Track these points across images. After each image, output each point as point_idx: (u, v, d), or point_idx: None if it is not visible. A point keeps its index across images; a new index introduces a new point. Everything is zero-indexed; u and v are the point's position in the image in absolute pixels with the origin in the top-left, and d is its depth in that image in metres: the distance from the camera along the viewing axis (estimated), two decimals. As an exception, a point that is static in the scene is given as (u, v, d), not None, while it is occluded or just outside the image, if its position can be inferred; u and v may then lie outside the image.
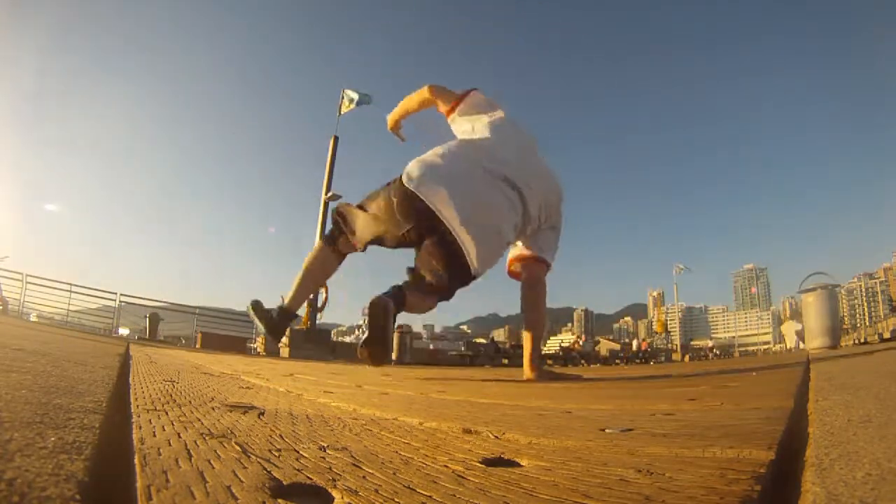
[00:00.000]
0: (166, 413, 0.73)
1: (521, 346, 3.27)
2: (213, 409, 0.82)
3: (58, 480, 0.34)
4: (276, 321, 2.34)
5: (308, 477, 0.43)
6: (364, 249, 2.27)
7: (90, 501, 0.33)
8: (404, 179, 2.06)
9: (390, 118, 2.72)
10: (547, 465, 0.48)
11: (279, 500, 0.37)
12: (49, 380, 0.88)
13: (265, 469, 0.44)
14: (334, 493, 0.39)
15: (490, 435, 0.67)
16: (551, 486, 0.41)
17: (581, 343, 24.75)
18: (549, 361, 13.36)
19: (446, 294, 2.18)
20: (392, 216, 2.08)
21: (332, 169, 11.55)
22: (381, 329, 1.94)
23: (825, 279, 8.73)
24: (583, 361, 16.69)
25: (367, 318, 1.94)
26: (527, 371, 2.38)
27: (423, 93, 2.54)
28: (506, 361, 14.14)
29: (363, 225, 2.20)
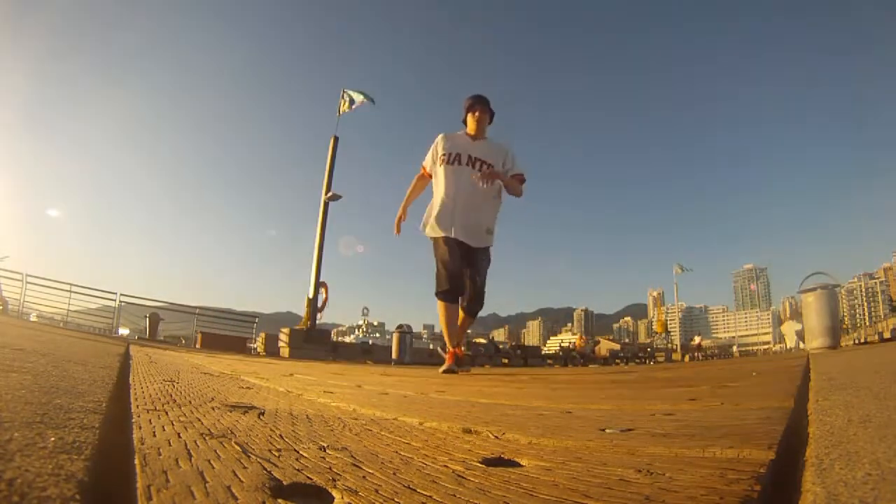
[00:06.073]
0: (166, 413, 0.73)
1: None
2: (213, 409, 0.82)
3: (58, 480, 0.34)
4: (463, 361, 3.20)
5: (308, 477, 0.43)
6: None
7: (90, 501, 0.33)
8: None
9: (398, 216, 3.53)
10: (547, 465, 0.48)
11: (279, 500, 0.37)
12: (49, 380, 0.88)
13: (265, 469, 0.44)
14: (334, 493, 0.39)
15: (490, 435, 0.67)
16: (551, 486, 0.41)
17: (583, 342, 24.54)
18: (505, 360, 13.51)
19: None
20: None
21: (332, 169, 11.53)
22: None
23: (825, 279, 8.72)
24: (581, 361, 16.69)
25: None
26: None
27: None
28: (506, 361, 14.14)
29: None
